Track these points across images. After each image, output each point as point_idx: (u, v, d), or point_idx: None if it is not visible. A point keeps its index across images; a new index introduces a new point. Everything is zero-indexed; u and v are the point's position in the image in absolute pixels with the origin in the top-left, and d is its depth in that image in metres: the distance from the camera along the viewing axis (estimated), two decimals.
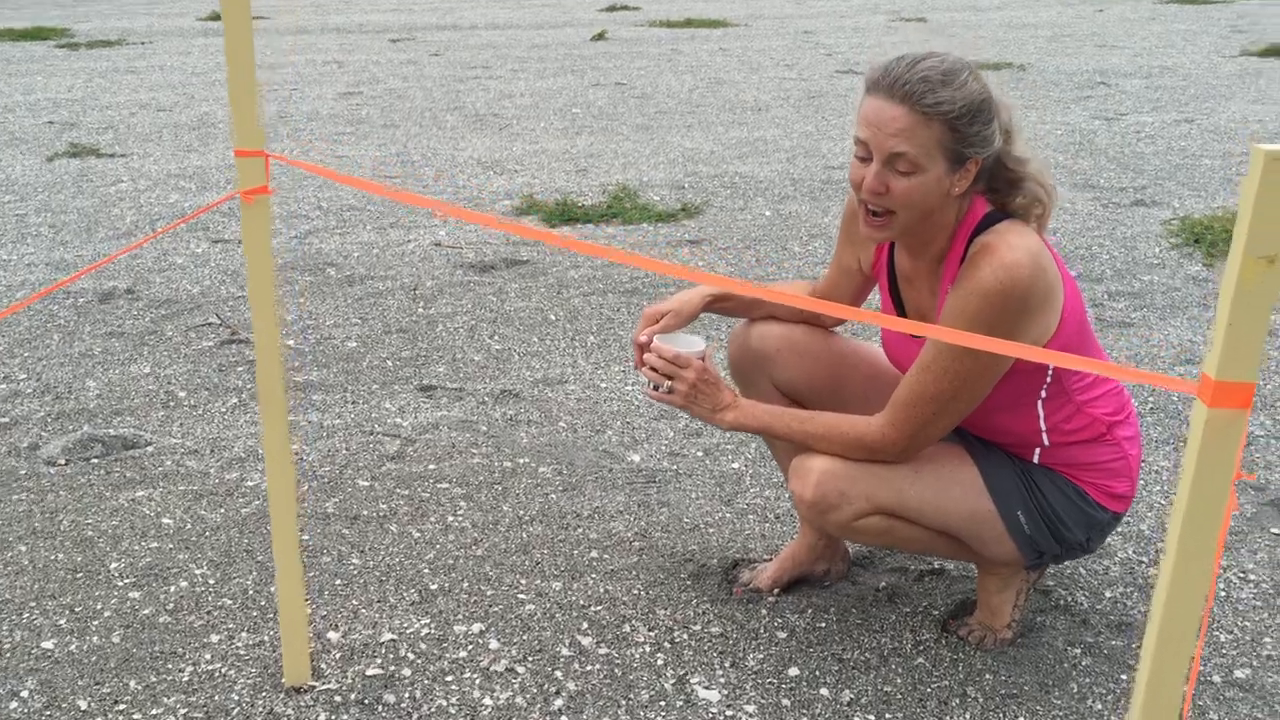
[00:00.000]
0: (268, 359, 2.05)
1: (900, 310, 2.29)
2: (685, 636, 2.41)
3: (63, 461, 3.17)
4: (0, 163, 7.11)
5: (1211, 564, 1.29)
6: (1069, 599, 2.55)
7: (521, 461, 3.18)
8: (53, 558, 2.67)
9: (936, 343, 2.05)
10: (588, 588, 2.58)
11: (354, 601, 2.51)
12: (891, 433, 2.12)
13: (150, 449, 3.26)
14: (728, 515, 2.91)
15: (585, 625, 2.44)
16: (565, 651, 2.35)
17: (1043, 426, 2.18)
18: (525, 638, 2.39)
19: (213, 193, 6.35)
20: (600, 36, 13.21)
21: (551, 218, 5.71)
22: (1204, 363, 1.26)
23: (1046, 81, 9.73)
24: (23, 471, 3.10)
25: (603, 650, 2.36)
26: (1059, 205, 5.72)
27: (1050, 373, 2.12)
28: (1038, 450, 2.22)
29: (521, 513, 2.91)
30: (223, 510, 2.89)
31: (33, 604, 2.49)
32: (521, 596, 2.54)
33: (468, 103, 9.25)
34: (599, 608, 2.50)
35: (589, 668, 2.30)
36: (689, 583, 2.61)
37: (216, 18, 15.85)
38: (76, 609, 2.47)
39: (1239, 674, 2.31)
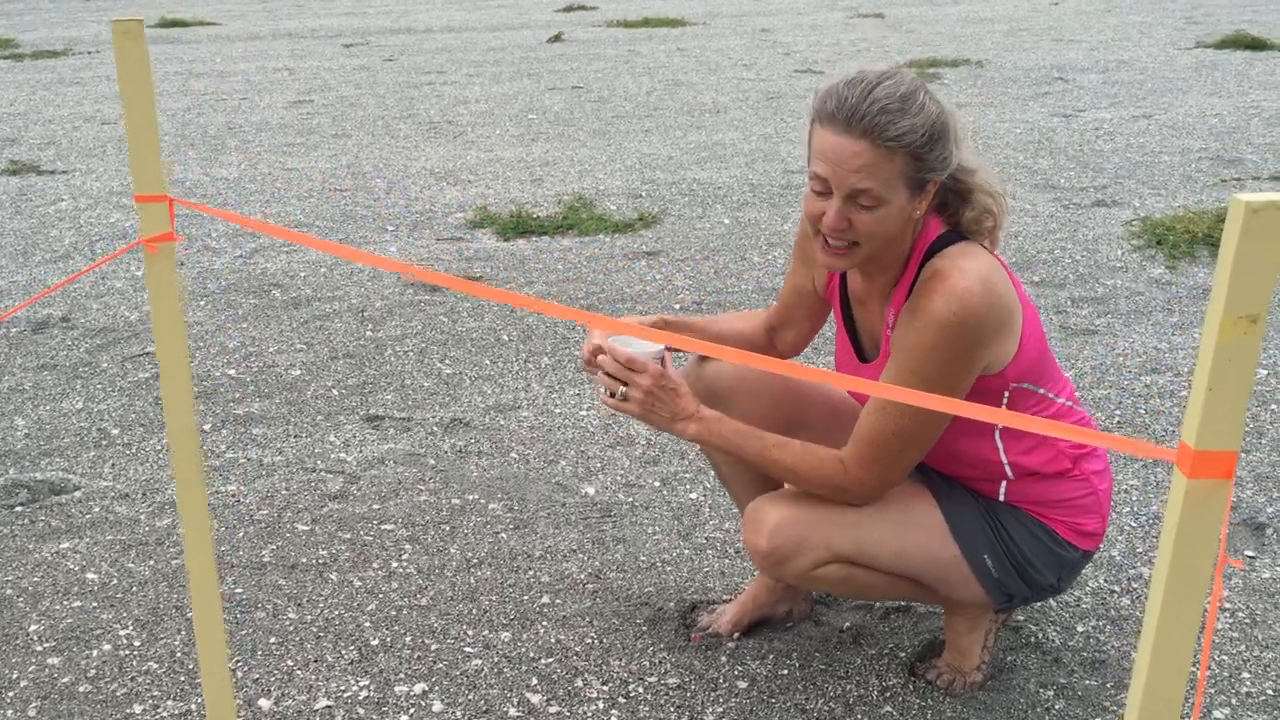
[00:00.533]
0: (179, 426, 1.91)
1: (853, 332, 2.20)
2: (640, 690, 2.29)
3: None
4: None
5: (1190, 650, 1.19)
6: (1040, 635, 2.45)
7: (470, 498, 3.05)
8: None
9: (895, 378, 1.94)
10: (538, 637, 2.45)
11: (289, 662, 2.37)
12: (858, 471, 2.01)
13: (79, 493, 3.10)
14: (686, 551, 2.79)
15: (535, 680, 2.31)
16: (513, 711, 2.22)
17: (1004, 459, 2.08)
18: (471, 697, 2.26)
19: None
20: (557, 38, 13.05)
21: (505, 230, 5.57)
22: (1183, 428, 1.16)
23: (1004, 78, 9.68)
24: None
25: (553, 709, 2.23)
26: (1012, 211, 5.64)
27: (1006, 396, 2.02)
28: (1003, 485, 2.11)
29: (469, 555, 2.78)
30: (151, 562, 2.74)
31: None
32: (468, 650, 2.41)
33: (421, 110, 9.09)
34: (549, 660, 2.38)
35: None
36: (645, 628, 2.49)
37: (167, 24, 15.57)
38: None
39: (1217, 715, 2.21)
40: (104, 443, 3.43)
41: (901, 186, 1.89)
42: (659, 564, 2.73)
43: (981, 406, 1.27)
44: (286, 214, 6.01)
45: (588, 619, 2.52)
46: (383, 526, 2.91)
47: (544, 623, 2.50)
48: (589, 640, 2.44)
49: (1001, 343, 1.95)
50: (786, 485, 2.23)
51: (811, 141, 1.93)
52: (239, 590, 2.62)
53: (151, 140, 1.77)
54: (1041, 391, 2.06)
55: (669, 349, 2.10)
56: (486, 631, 2.47)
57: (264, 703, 2.24)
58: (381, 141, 7.93)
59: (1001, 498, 2.12)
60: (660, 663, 2.37)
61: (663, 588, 2.63)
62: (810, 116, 1.94)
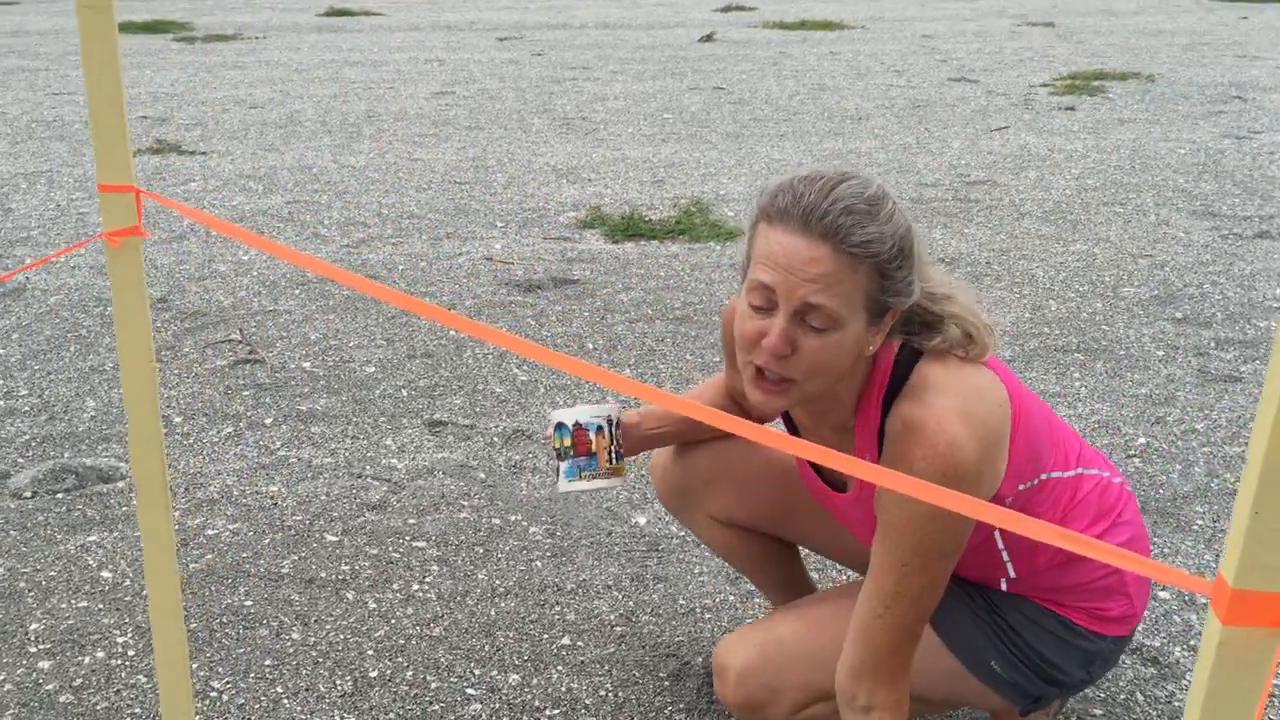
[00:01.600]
0: (142, 433, 1.76)
1: (815, 465, 1.84)
2: None
3: (29, 494, 2.96)
4: (84, 159, 7.08)
5: None
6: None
7: (512, 519, 2.86)
8: None
9: (888, 568, 1.58)
10: (548, 684, 2.24)
11: (279, 688, 2.22)
12: (884, 694, 1.62)
13: (122, 484, 3.03)
14: (730, 598, 2.54)
15: None
16: None
17: (1005, 559, 1.76)
18: None
19: (277, 195, 6.18)
20: (708, 38, 12.84)
21: (614, 232, 5.38)
22: (1222, 561, 0.88)
23: (1175, 94, 9.04)
24: None
25: None
26: (1163, 238, 5.17)
27: (1009, 503, 1.67)
28: (1004, 580, 1.80)
29: (497, 582, 2.59)
30: None
31: None
32: (470, 691, 2.22)
33: (558, 105, 8.99)
34: (555, 712, 2.16)
35: None
36: (666, 684, 2.25)
37: (333, 13, 15.96)
38: None
39: None
40: (164, 430, 3.36)
41: (861, 308, 1.53)
42: (698, 609, 2.49)
43: (999, 511, 0.96)
44: (401, 205, 5.95)
45: (606, 667, 2.30)
46: (414, 543, 2.74)
47: (559, 667, 2.29)
48: (603, 692, 2.22)
49: (995, 466, 1.60)
50: (777, 601, 1.96)
51: (753, 244, 1.57)
52: (248, 602, 2.49)
53: (118, 123, 1.62)
54: (1044, 477, 1.73)
55: (617, 416, 1.97)
56: (495, 672, 2.28)
57: None
58: (512, 135, 7.85)
59: (1004, 587, 1.80)
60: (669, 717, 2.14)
61: (695, 638, 2.39)
62: (753, 216, 1.58)
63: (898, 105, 8.77)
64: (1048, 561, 1.75)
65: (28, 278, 4.71)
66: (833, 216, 1.49)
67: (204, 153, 7.33)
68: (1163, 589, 2.56)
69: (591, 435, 1.93)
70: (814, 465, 1.84)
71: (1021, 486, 1.68)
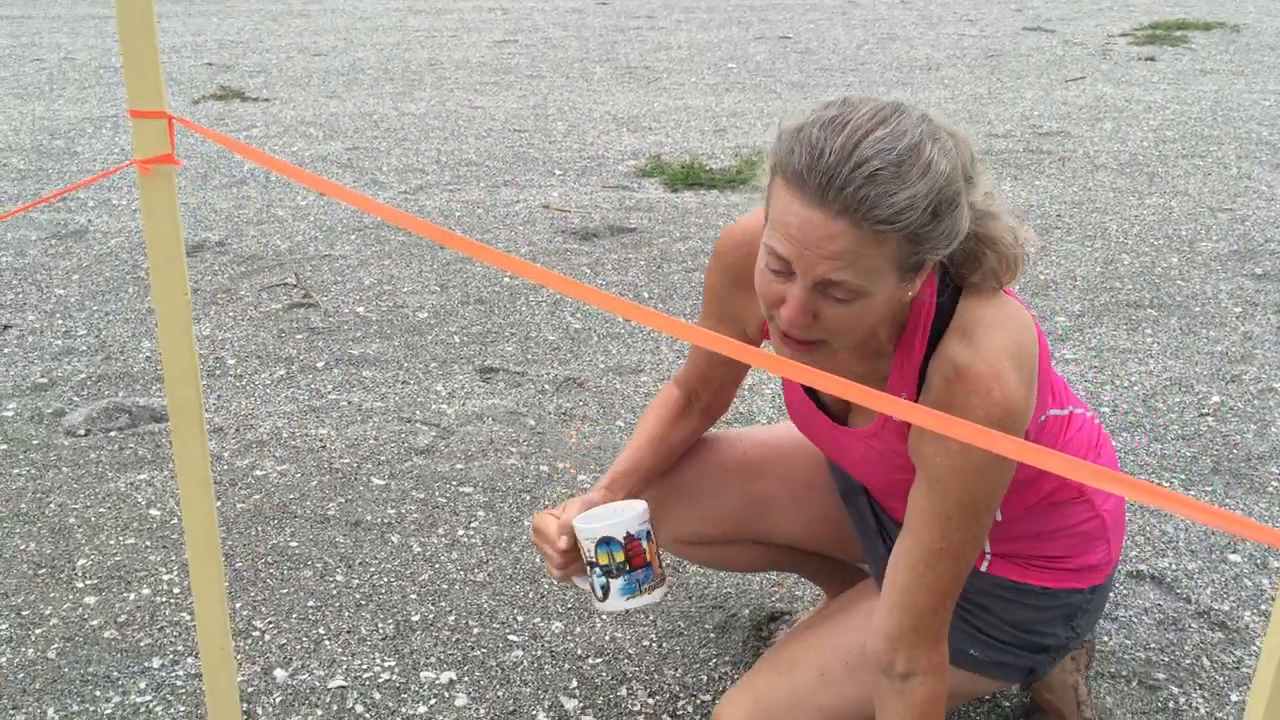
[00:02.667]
0: (180, 381, 1.73)
1: (812, 394, 1.70)
2: (690, 709, 2.01)
3: (82, 432, 2.97)
4: None
5: None
6: (1183, 701, 2.03)
7: (560, 467, 2.82)
8: (24, 548, 2.45)
9: (931, 522, 1.49)
10: (591, 632, 2.20)
11: (320, 630, 2.20)
12: (927, 656, 1.53)
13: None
14: None
15: (575, 683, 2.07)
16: (542, 717, 1.98)
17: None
18: (499, 694, 2.03)
19: (338, 141, 6.17)
20: None
21: (674, 181, 5.29)
22: None
23: (1262, 44, 8.70)
24: (36, 441, 2.92)
25: (586, 718, 1.98)
26: (1243, 191, 4.98)
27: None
28: (984, 561, 1.70)
29: None
30: (219, 504, 2.63)
31: None
32: (512, 638, 2.19)
33: (621, 54, 8.88)
34: (597, 661, 2.13)
35: None
36: (712, 635, 2.20)
37: None
38: (24, 612, 2.24)
39: None
40: (217, 372, 3.37)
41: (890, 272, 1.36)
42: None
43: (1040, 450, 0.89)
44: (460, 152, 5.91)
45: (651, 617, 2.25)
46: (460, 489, 2.71)
47: (603, 615, 2.25)
48: (646, 642, 2.18)
49: (1034, 402, 1.51)
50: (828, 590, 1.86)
51: (770, 199, 1.39)
52: (294, 543, 2.48)
53: (149, 47, 1.58)
54: (1046, 415, 1.64)
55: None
56: (538, 619, 2.24)
57: (280, 673, 2.07)
58: (574, 84, 7.77)
59: (984, 568, 1.70)
60: (720, 679, 2.08)
61: (744, 590, 2.34)
62: (770, 160, 1.39)
63: (969, 55, 8.53)
64: (1038, 501, 1.66)
65: (89, 220, 4.74)
66: (854, 187, 1.28)
67: (267, 99, 7.34)
68: (1233, 552, 2.45)
69: (645, 544, 1.65)
70: (813, 395, 1.68)
71: (1040, 418, 1.61)
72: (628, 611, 1.99)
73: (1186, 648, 2.16)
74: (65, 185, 5.27)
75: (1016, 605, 1.70)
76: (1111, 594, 2.30)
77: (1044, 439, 1.62)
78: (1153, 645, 2.17)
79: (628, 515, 1.64)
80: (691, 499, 1.88)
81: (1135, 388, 3.24)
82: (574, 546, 1.66)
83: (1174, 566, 2.41)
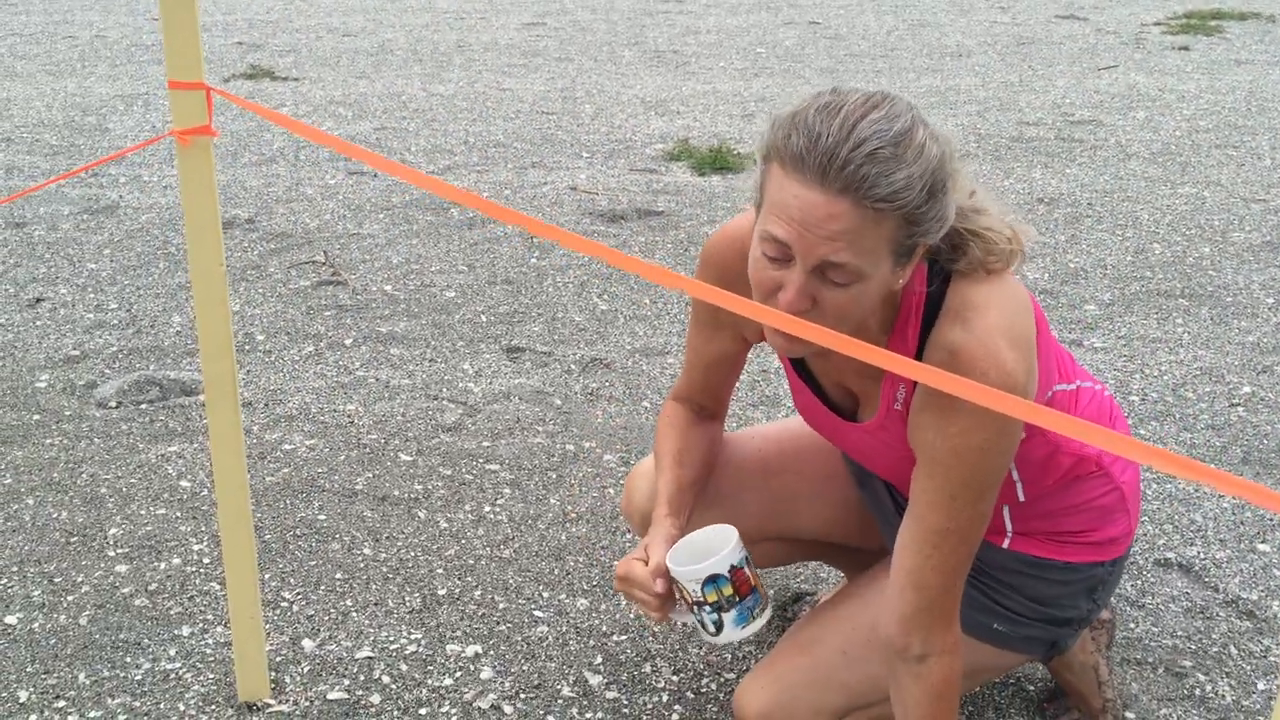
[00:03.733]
0: (215, 354, 1.75)
1: (811, 381, 1.70)
2: (714, 687, 2.02)
3: (114, 404, 3.00)
4: None
5: None
6: (1209, 688, 2.03)
7: (586, 446, 2.83)
8: (55, 516, 2.48)
9: (935, 504, 1.49)
10: (616, 610, 2.21)
11: (348, 601, 2.22)
12: (940, 639, 1.54)
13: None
14: None
15: (600, 659, 2.08)
16: (567, 691, 2.00)
17: (1015, 477, 1.64)
18: (525, 668, 2.05)
19: (367, 122, 6.19)
20: None
21: (701, 165, 5.29)
22: None
23: None
24: (68, 413, 2.95)
25: (610, 694, 1.99)
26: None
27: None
28: (1006, 539, 1.70)
29: (569, 508, 2.56)
30: (248, 476, 2.65)
31: (14, 569, 2.29)
32: (537, 614, 2.20)
33: (649, 38, 8.86)
34: (622, 638, 2.14)
35: (588, 715, 1.94)
36: None
37: None
38: (57, 579, 2.26)
39: None
40: (247, 347, 3.39)
41: (887, 255, 1.38)
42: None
43: (1055, 414, 0.91)
44: (487, 133, 5.92)
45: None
46: (487, 466, 2.72)
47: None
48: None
49: (1035, 377, 1.51)
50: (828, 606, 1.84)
51: (765, 187, 1.40)
52: (322, 517, 2.50)
53: (189, 20, 1.59)
54: (1059, 389, 1.64)
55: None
56: (563, 595, 2.25)
57: (308, 643, 2.09)
58: (603, 67, 7.76)
59: (1006, 545, 1.71)
60: (743, 658, 2.09)
61: (768, 570, 2.33)
62: (763, 149, 1.41)
63: (1001, 42, 8.48)
64: (1057, 481, 1.66)
65: (121, 196, 4.78)
66: (854, 166, 1.30)
67: (296, 79, 7.36)
68: (1263, 542, 2.44)
69: (747, 571, 1.62)
70: (821, 396, 1.70)
71: (1046, 394, 1.61)
72: (744, 640, 1.95)
73: (1214, 636, 2.15)
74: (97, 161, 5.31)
75: (1040, 581, 1.71)
76: (1139, 582, 2.30)
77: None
78: (1180, 633, 2.16)
79: (727, 549, 1.60)
80: (710, 504, 1.85)
81: (1165, 377, 3.22)
82: (670, 589, 1.63)
83: (1202, 555, 2.40)
